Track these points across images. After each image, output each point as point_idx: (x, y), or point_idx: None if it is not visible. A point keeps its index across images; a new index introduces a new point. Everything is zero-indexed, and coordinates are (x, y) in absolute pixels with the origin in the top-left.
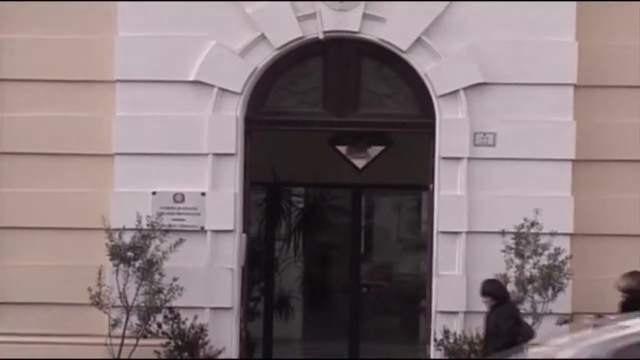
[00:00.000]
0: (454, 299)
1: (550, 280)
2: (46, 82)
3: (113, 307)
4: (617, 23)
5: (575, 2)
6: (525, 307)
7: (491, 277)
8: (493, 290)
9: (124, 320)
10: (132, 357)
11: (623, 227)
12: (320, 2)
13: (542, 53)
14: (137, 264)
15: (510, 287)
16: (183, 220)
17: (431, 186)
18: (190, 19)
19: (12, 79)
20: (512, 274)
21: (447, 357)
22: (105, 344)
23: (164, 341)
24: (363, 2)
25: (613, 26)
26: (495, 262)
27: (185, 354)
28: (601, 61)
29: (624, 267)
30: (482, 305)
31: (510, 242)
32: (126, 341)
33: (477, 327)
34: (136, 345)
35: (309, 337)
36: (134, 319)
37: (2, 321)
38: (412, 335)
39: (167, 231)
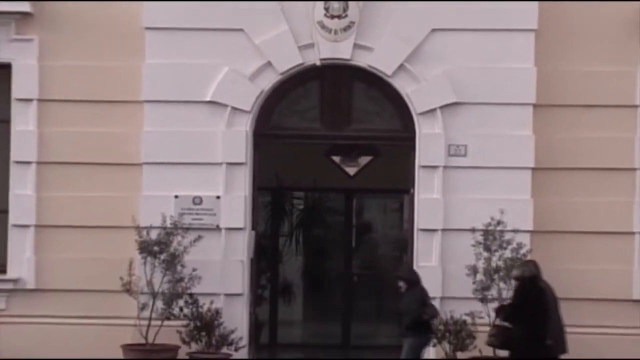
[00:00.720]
0: (431, 286)
1: (512, 270)
2: (85, 102)
3: (141, 293)
4: (569, 51)
5: (533, 33)
6: (492, 292)
7: (463, 269)
8: (406, 276)
9: (150, 304)
10: (158, 336)
11: (575, 225)
12: (317, 34)
13: (506, 77)
14: (162, 257)
15: (479, 277)
16: (201, 219)
17: (412, 190)
18: (206, 48)
19: (57, 99)
20: (480, 265)
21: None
22: (134, 325)
23: (184, 323)
24: (354, 34)
25: (566, 54)
26: (466, 255)
27: (203, 334)
28: (556, 84)
29: (576, 259)
30: (455, 291)
31: (479, 238)
32: (152, 323)
33: (451, 310)
34: (161, 326)
35: (309, 319)
36: (159, 304)
37: (46, 305)
38: (396, 316)
39: (187, 229)
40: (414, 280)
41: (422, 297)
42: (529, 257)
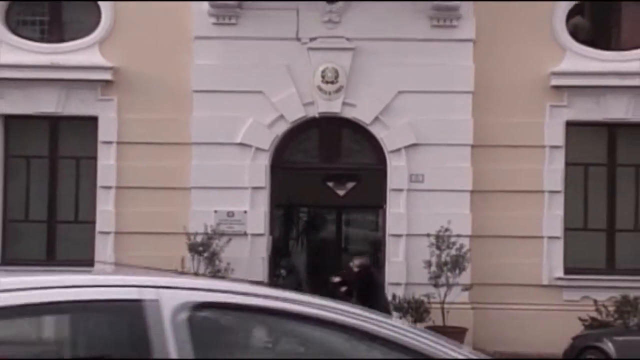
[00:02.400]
0: (398, 275)
1: (457, 264)
2: (150, 144)
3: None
4: (496, 107)
5: (471, 94)
6: (442, 279)
7: (421, 263)
8: (286, 264)
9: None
10: None
11: (501, 231)
12: (316, 95)
13: (451, 125)
14: (205, 254)
15: (433, 268)
16: (233, 228)
17: (384, 206)
18: (237, 105)
19: (130, 142)
20: (434, 260)
21: (396, 312)
22: None
23: None
24: (343, 95)
25: (494, 108)
26: (424, 253)
27: None
28: (487, 130)
29: (502, 255)
30: (415, 279)
31: (433, 240)
32: None
33: (413, 292)
34: None
35: (315, 295)
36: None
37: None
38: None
39: (223, 234)
40: (291, 268)
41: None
42: (467, 255)
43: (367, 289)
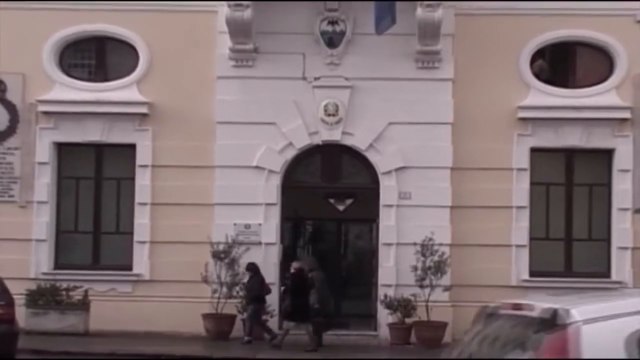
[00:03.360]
0: (390, 278)
1: (439, 268)
2: (180, 167)
3: (213, 282)
4: (472, 135)
5: (450, 125)
6: (426, 282)
7: (409, 267)
8: (251, 268)
9: (219, 289)
10: (223, 309)
11: (477, 240)
12: (320, 125)
13: (434, 151)
14: (225, 260)
15: (419, 272)
16: (249, 238)
17: (377, 220)
18: (253, 134)
19: (163, 165)
20: (419, 265)
21: (387, 309)
22: (209, 302)
23: (239, 300)
24: (342, 125)
25: (470, 137)
26: (411, 259)
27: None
28: (465, 155)
29: (477, 260)
30: (404, 281)
31: (419, 248)
32: (220, 300)
33: (402, 292)
34: (225, 302)
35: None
36: (224, 289)
37: (155, 290)
38: (369, 296)
39: (241, 244)
40: (255, 270)
41: (261, 281)
42: (448, 261)
43: (300, 288)
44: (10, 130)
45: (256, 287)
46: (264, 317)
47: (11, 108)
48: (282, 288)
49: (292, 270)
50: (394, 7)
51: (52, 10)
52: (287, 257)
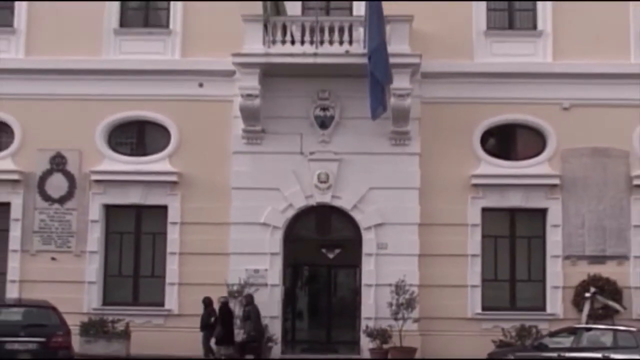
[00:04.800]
0: (370, 312)
1: (409, 304)
2: (202, 224)
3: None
4: (435, 199)
5: (417, 190)
6: (401, 314)
7: (385, 304)
8: (206, 302)
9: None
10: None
11: (439, 281)
12: (314, 190)
13: (404, 210)
14: (239, 298)
15: (394, 307)
16: (258, 280)
17: (360, 265)
18: (261, 197)
19: (189, 222)
20: (394, 301)
21: (368, 337)
22: None
23: (250, 331)
24: (332, 190)
25: (434, 200)
26: (387, 297)
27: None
28: (430, 214)
29: (440, 298)
30: (382, 314)
31: (393, 288)
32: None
33: (380, 324)
34: (239, 333)
35: (311, 327)
36: (238, 322)
37: (183, 322)
38: (353, 326)
39: (251, 285)
40: (208, 303)
41: (227, 315)
42: (417, 298)
43: (225, 318)
44: (69, 194)
45: (205, 318)
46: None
47: (70, 177)
48: (212, 319)
49: (219, 305)
50: (385, 98)
51: (103, 100)
52: (288, 295)
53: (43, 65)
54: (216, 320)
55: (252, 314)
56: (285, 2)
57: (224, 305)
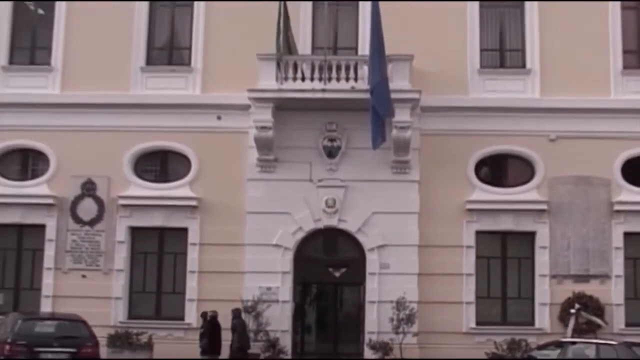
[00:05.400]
0: (373, 326)
1: (409, 319)
2: (219, 245)
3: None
4: (431, 224)
5: (417, 215)
6: (401, 329)
7: (387, 319)
8: (203, 315)
9: (250, 328)
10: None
11: (437, 298)
12: (322, 214)
13: (405, 233)
14: (252, 313)
15: (395, 322)
16: (270, 297)
17: (364, 284)
18: (273, 220)
19: (207, 243)
20: (395, 317)
21: (371, 350)
22: None
23: (262, 343)
24: (338, 214)
25: (430, 225)
26: (389, 313)
27: (271, 349)
28: (429, 236)
29: (438, 313)
30: (384, 328)
31: (394, 305)
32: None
33: (382, 337)
34: (253, 342)
35: (318, 340)
36: (251, 334)
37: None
38: (358, 339)
39: (264, 301)
40: (205, 317)
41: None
42: (416, 314)
43: (213, 330)
44: (98, 217)
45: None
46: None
47: (99, 202)
48: (201, 330)
49: (208, 318)
50: (384, 130)
51: (130, 131)
52: (298, 310)
53: (76, 99)
54: (204, 332)
55: (238, 326)
56: (296, 42)
57: (213, 319)
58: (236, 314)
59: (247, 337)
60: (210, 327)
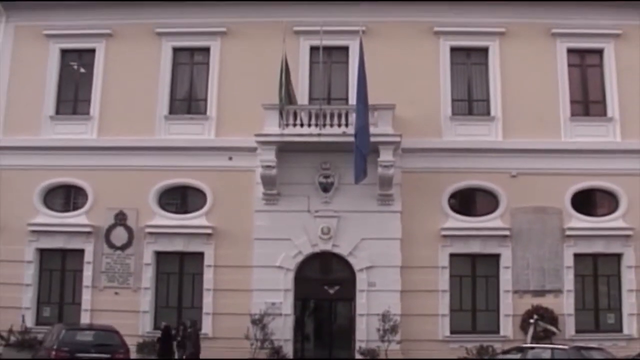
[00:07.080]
0: (362, 335)
1: (393, 329)
2: (231, 267)
3: (252, 339)
4: (414, 247)
5: (399, 240)
6: (387, 337)
7: (374, 329)
8: (162, 327)
9: (255, 343)
10: (257, 355)
11: (418, 311)
12: (318, 241)
13: (389, 256)
14: (260, 325)
15: (381, 332)
16: (274, 311)
17: (355, 299)
18: (276, 245)
19: (220, 265)
20: (381, 327)
21: (361, 356)
22: (249, 351)
23: (268, 351)
24: (332, 240)
25: (413, 248)
26: (376, 324)
27: (276, 354)
28: (410, 259)
29: (418, 324)
30: (372, 337)
31: (380, 317)
32: (257, 350)
33: (370, 345)
34: (261, 350)
35: (316, 347)
36: (258, 343)
37: (216, 343)
38: (349, 347)
39: (269, 315)
40: (167, 329)
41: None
42: (399, 324)
43: (165, 340)
44: (128, 243)
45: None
46: None
47: (129, 230)
48: (178, 339)
49: (162, 327)
50: (365, 167)
51: (155, 170)
52: (298, 322)
53: (111, 143)
54: (158, 340)
55: (192, 335)
56: (296, 94)
57: (166, 329)
58: (192, 323)
59: (199, 345)
60: (163, 336)
